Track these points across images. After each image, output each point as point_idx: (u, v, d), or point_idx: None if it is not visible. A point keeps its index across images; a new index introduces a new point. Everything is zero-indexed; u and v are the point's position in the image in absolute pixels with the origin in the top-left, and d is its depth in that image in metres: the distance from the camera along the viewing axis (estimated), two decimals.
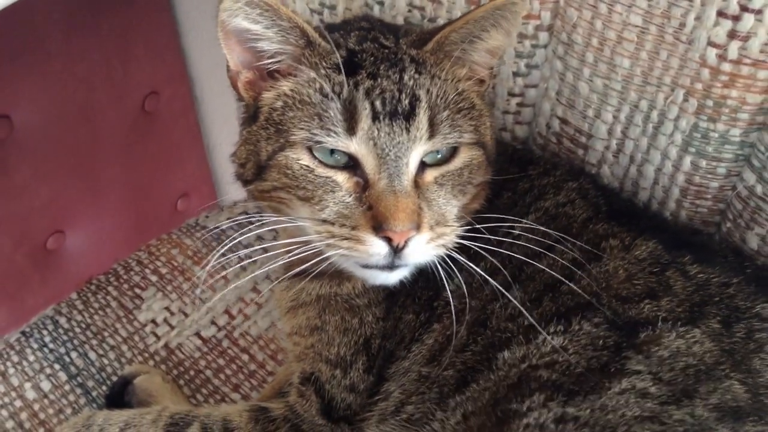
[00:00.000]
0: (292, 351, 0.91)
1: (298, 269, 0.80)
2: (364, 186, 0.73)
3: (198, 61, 1.82)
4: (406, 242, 0.71)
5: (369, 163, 0.73)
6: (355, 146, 0.72)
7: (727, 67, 0.79)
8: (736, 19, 0.77)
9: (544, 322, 0.72)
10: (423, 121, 0.73)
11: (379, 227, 0.70)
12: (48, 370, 1.06)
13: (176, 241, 1.23)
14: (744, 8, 0.76)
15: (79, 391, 1.04)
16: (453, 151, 0.77)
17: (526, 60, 0.93)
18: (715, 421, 0.62)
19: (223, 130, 1.58)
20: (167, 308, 1.13)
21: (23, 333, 1.11)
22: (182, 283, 1.15)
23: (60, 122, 1.59)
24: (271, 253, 0.84)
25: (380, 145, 0.72)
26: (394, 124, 0.72)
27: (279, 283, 0.88)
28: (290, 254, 0.77)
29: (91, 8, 1.55)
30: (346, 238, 0.72)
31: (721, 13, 0.78)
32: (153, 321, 1.11)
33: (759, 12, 0.76)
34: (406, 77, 0.74)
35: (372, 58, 0.76)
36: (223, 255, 0.82)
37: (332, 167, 0.74)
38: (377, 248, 0.71)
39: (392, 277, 0.76)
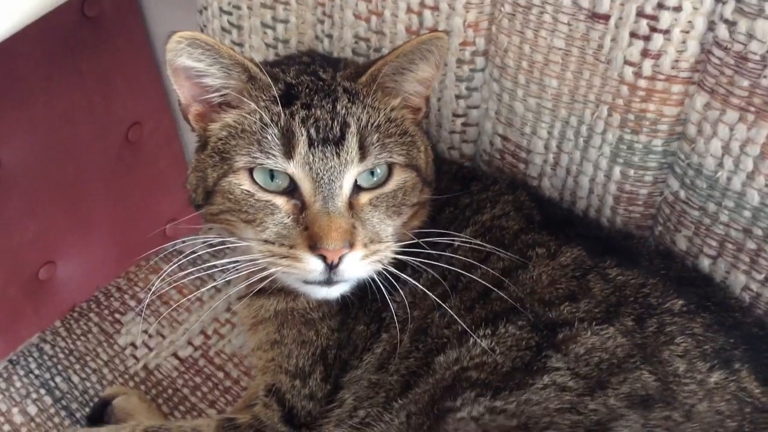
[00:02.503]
0: (256, 365, 0.97)
1: (248, 282, 0.86)
2: (301, 208, 0.80)
3: None
4: (340, 259, 0.77)
5: (305, 186, 0.79)
6: (293, 169, 0.79)
7: (643, 83, 0.86)
8: (647, 39, 0.83)
9: (475, 326, 0.78)
10: (352, 144, 0.79)
11: (314, 246, 0.77)
12: (34, 395, 1.12)
13: (153, 267, 1.29)
14: (653, 29, 0.83)
15: (63, 413, 1.10)
16: (387, 175, 0.83)
17: (466, 83, 1.00)
18: (625, 408, 0.68)
19: None
20: (145, 331, 1.19)
21: (10, 361, 1.17)
22: (160, 306, 1.20)
23: (46, 158, 1.66)
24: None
25: (315, 170, 0.78)
26: (327, 149, 0.78)
27: (238, 301, 0.94)
28: (238, 271, 0.83)
29: (70, 48, 1.62)
30: (285, 257, 0.78)
31: (633, 34, 0.84)
32: (132, 344, 1.17)
33: (667, 32, 0.82)
34: (338, 106, 0.81)
35: (307, 90, 0.82)
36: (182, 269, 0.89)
37: (272, 192, 0.80)
38: (313, 265, 0.78)
39: (332, 292, 0.82)
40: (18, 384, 1.14)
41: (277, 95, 0.81)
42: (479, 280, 0.81)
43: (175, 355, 1.16)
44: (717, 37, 0.80)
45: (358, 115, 0.81)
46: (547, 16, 0.89)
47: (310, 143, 0.79)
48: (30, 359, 1.17)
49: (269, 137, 0.79)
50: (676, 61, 0.83)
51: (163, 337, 1.18)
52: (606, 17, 0.85)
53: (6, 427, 1.09)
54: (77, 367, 1.15)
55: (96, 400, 1.10)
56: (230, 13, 1.10)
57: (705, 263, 0.91)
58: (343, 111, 0.81)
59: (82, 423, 1.08)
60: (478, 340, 0.76)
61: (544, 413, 0.68)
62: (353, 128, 0.80)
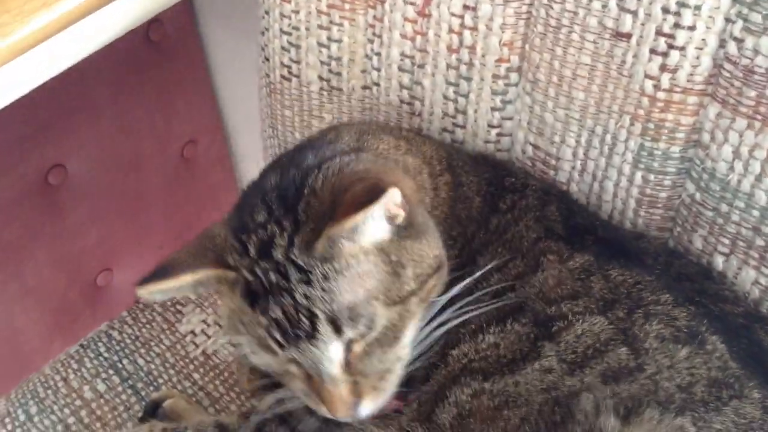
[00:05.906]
0: None
1: None
2: (308, 375, 0.82)
3: (232, 113, 2.02)
4: (354, 412, 0.81)
5: (303, 366, 0.81)
6: (287, 356, 0.81)
7: (662, 95, 0.95)
8: (665, 55, 0.93)
9: (486, 324, 0.85)
10: (326, 332, 0.77)
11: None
12: (103, 375, 1.24)
13: None
14: (671, 46, 0.92)
15: (129, 391, 1.21)
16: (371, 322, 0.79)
17: (501, 96, 1.10)
18: (600, 383, 0.75)
19: (256, 175, 1.76)
20: (204, 321, 1.30)
21: (81, 345, 1.28)
22: (217, 299, 1.32)
23: (108, 170, 1.79)
24: None
25: (300, 361, 0.79)
26: (300, 344, 0.78)
27: None
28: None
29: (136, 68, 1.76)
30: (315, 403, 0.83)
31: (653, 51, 0.93)
32: (192, 332, 1.28)
33: (683, 48, 0.92)
34: (298, 297, 0.77)
35: (261, 286, 0.79)
36: None
37: (287, 361, 0.82)
38: (336, 417, 0.82)
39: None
40: (89, 365, 1.25)
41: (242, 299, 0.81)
42: (494, 286, 0.87)
43: (230, 342, 1.26)
44: (727, 52, 0.89)
45: (321, 297, 0.76)
46: (575, 35, 0.99)
47: (281, 346, 0.79)
48: (99, 344, 1.28)
49: (259, 334, 0.81)
50: (692, 74, 0.93)
51: (220, 326, 1.28)
52: (628, 36, 0.95)
53: (78, 402, 1.20)
54: (142, 351, 1.26)
55: (160, 380, 1.21)
56: (290, 34, 1.22)
57: (719, 260, 0.99)
58: (304, 301, 0.76)
59: (146, 400, 1.19)
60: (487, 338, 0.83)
61: (526, 393, 0.76)
62: (322, 317, 0.77)
